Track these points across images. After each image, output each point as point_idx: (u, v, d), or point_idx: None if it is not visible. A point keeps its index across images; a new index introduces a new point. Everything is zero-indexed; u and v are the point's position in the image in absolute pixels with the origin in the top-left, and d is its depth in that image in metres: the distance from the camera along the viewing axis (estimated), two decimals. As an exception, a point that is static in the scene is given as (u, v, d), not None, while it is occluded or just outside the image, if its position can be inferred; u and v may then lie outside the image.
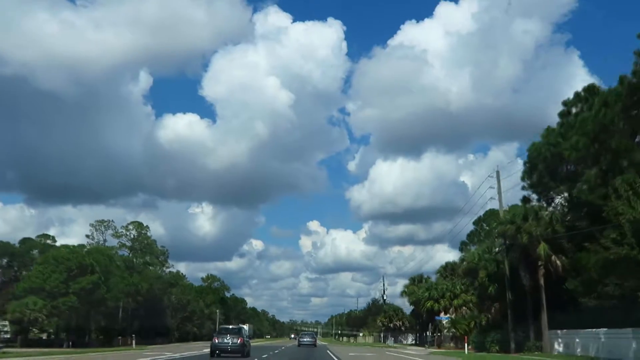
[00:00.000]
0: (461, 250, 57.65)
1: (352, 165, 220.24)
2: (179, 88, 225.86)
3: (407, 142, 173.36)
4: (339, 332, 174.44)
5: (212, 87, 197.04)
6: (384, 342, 73.99)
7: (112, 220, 78.78)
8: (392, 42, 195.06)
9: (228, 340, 30.36)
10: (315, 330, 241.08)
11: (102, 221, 77.63)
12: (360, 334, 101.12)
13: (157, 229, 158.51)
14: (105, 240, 78.49)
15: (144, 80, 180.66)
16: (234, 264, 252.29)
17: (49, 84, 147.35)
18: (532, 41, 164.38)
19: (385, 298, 75.10)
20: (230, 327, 38.18)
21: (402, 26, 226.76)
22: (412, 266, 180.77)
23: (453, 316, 49.46)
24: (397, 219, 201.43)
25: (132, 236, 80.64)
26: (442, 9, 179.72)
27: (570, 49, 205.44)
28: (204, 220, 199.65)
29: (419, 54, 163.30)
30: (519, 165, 38.46)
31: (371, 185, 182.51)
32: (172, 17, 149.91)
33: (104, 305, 62.92)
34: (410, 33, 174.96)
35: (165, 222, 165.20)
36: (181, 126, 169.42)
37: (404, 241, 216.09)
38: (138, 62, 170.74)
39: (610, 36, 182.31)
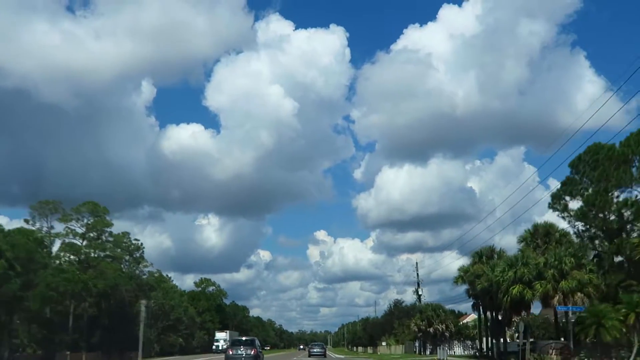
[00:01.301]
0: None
1: (358, 173, 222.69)
2: (182, 98, 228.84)
3: (413, 148, 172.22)
4: (352, 341, 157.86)
5: (215, 96, 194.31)
6: (423, 352, 56.21)
7: (61, 202, 60.52)
8: (395, 46, 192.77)
9: (242, 351, 31.19)
10: (326, 339, 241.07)
11: (47, 202, 59.37)
12: (383, 343, 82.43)
13: (164, 242, 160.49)
14: (51, 227, 60.34)
15: (147, 90, 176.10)
16: (242, 275, 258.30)
17: (50, 96, 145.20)
18: (538, 42, 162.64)
19: (420, 293, 55.90)
20: (244, 338, 38.35)
21: (405, 30, 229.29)
22: (421, 273, 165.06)
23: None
24: (404, 227, 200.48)
25: (86, 222, 62.31)
26: (445, 12, 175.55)
27: (576, 49, 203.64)
28: (211, 231, 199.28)
29: (423, 58, 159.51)
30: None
31: (378, 192, 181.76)
32: (173, 25, 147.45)
33: (23, 307, 44.57)
34: (414, 37, 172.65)
35: (172, 234, 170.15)
36: (185, 137, 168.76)
37: (412, 249, 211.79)
38: (140, 71, 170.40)
39: (615, 36, 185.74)
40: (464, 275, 43.52)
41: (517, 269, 33.47)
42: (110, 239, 67.16)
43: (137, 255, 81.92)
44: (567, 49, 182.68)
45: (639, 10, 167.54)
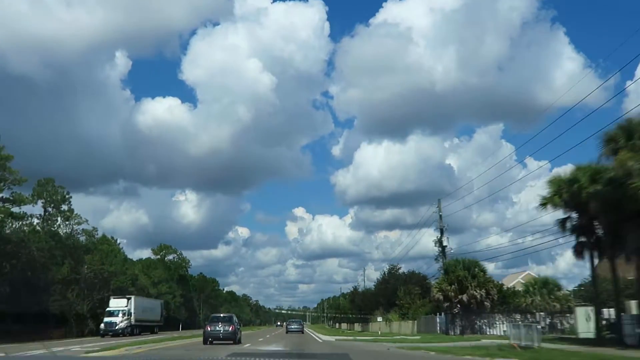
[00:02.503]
0: None
1: (336, 150, 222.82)
2: (157, 70, 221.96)
3: (392, 124, 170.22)
4: (334, 317, 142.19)
5: (192, 70, 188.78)
6: (453, 331, 37.36)
7: None
8: (374, 20, 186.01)
9: (220, 328, 32.16)
10: (305, 315, 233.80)
11: None
12: (379, 319, 65.15)
13: (140, 217, 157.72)
14: None
15: (122, 63, 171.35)
16: (220, 252, 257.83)
17: (19, 67, 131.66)
18: (518, 18, 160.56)
19: (445, 244, 37.83)
20: (222, 315, 38.66)
21: (384, 4, 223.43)
22: (398, 251, 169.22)
23: None
24: (383, 204, 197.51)
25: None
26: None
27: (556, 25, 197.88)
28: (188, 207, 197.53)
29: (403, 32, 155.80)
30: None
31: (356, 169, 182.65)
32: None
33: None
34: (394, 11, 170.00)
35: (148, 210, 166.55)
36: (161, 111, 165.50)
37: (391, 226, 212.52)
38: (113, 42, 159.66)
39: (595, 13, 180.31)
40: (563, 187, 24.75)
41: None
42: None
43: (65, 208, 63.79)
44: (547, 24, 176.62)
45: None
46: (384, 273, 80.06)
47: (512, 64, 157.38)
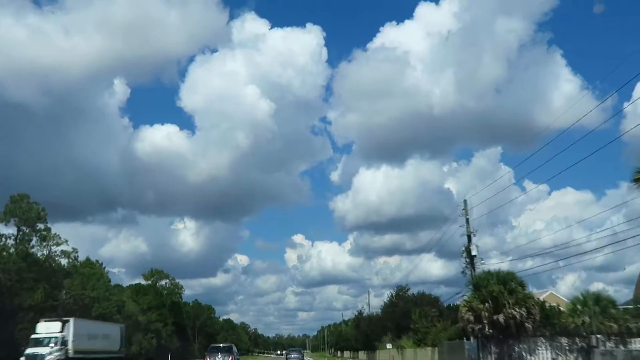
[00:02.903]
0: None
1: (335, 175, 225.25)
2: (156, 97, 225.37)
3: (390, 149, 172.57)
4: (337, 344, 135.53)
5: (190, 97, 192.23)
6: None
7: None
8: (372, 45, 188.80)
9: (220, 358, 34.74)
10: (305, 343, 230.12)
11: None
12: (388, 345, 58.99)
13: (139, 246, 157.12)
14: None
15: (121, 91, 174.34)
16: (219, 280, 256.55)
17: (17, 94, 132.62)
18: (515, 40, 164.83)
19: (475, 253, 31.22)
20: (221, 345, 39.22)
21: (382, 28, 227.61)
22: (398, 277, 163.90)
23: None
24: (382, 229, 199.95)
25: None
26: (422, 10, 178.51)
27: (553, 47, 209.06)
28: (187, 235, 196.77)
29: (401, 56, 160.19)
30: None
31: (355, 194, 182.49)
32: (145, 20, 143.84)
33: None
34: (391, 35, 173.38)
35: (147, 238, 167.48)
36: (159, 138, 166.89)
37: (390, 252, 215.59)
38: (112, 69, 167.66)
39: (591, 35, 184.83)
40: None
41: None
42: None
43: (41, 227, 57.82)
44: (544, 47, 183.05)
45: (614, 9, 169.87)
46: (392, 295, 73.94)
47: (509, 86, 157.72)
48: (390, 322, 68.74)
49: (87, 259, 70.23)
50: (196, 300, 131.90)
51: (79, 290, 59.47)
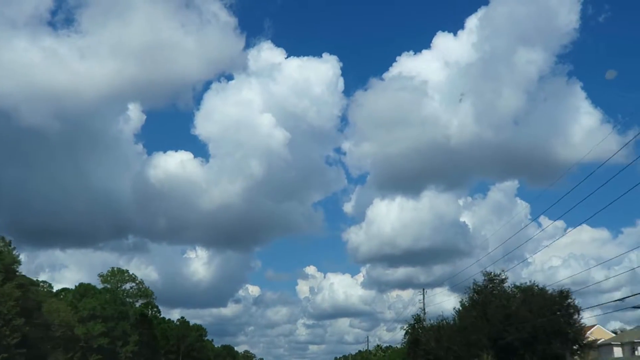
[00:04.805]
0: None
1: (348, 207, 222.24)
2: (170, 123, 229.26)
3: (406, 179, 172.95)
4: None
5: (205, 125, 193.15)
6: None
7: None
8: (388, 74, 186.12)
9: None
10: None
11: None
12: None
13: (150, 274, 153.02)
14: None
15: (135, 116, 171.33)
16: (229, 310, 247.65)
17: (31, 118, 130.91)
18: (535, 72, 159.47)
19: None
20: None
21: (398, 58, 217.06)
22: (412, 311, 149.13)
23: None
24: (395, 261, 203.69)
25: None
26: (439, 40, 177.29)
27: (573, 79, 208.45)
28: (198, 264, 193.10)
29: (418, 85, 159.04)
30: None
31: (369, 226, 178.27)
32: (160, 45, 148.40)
33: None
34: (408, 65, 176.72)
35: (158, 267, 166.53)
36: (173, 165, 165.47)
37: (403, 285, 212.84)
38: (126, 94, 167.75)
39: (610, 67, 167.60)
40: None
41: None
42: None
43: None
44: (564, 79, 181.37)
45: (634, 42, 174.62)
46: (413, 325, 56.66)
47: (528, 118, 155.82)
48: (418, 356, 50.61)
49: (12, 256, 52.83)
50: (182, 317, 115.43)
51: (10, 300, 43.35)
